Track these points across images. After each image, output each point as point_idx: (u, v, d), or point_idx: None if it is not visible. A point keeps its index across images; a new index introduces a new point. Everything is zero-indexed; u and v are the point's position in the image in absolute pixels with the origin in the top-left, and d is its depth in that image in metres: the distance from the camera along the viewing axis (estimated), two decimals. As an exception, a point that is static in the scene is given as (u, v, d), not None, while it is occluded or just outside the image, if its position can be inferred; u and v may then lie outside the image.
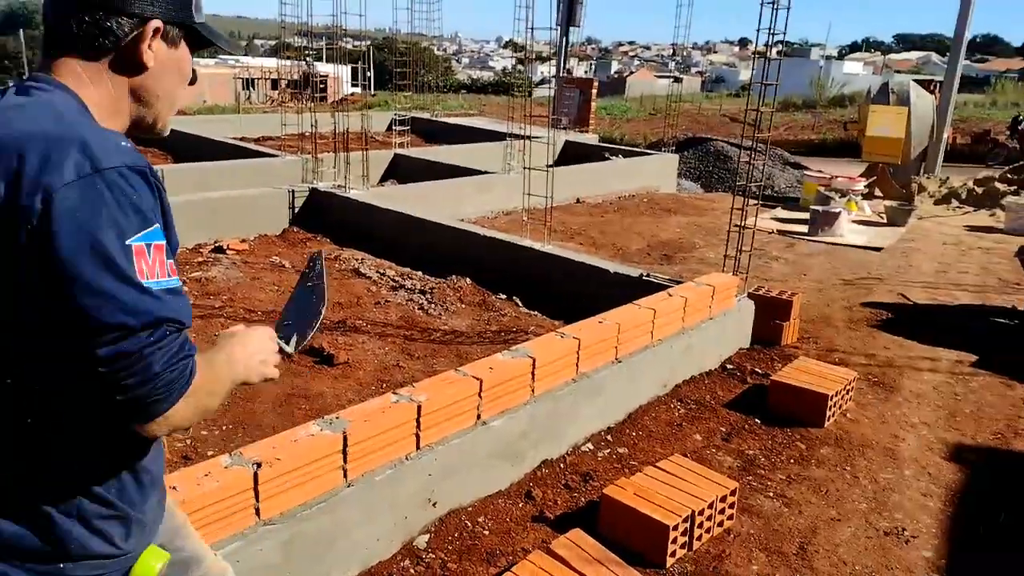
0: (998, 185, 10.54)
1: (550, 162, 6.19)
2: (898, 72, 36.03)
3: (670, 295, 4.15)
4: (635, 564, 2.64)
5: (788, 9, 4.29)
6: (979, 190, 10.44)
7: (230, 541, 2.13)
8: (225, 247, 5.97)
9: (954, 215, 9.82)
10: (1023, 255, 7.14)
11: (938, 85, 12.87)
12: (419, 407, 2.65)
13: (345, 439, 2.42)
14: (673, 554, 2.72)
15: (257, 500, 2.19)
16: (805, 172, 11.15)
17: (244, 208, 6.53)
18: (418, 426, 2.66)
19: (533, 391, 3.13)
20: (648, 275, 4.92)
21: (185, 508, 2.02)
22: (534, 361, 3.10)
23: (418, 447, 2.68)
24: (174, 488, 2.04)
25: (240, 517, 2.15)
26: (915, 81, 11.93)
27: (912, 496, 3.24)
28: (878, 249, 7.74)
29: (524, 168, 5.57)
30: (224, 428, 3.45)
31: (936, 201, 10.42)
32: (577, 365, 3.34)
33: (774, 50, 4.44)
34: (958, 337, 5.14)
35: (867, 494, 3.23)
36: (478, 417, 2.90)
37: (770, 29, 4.30)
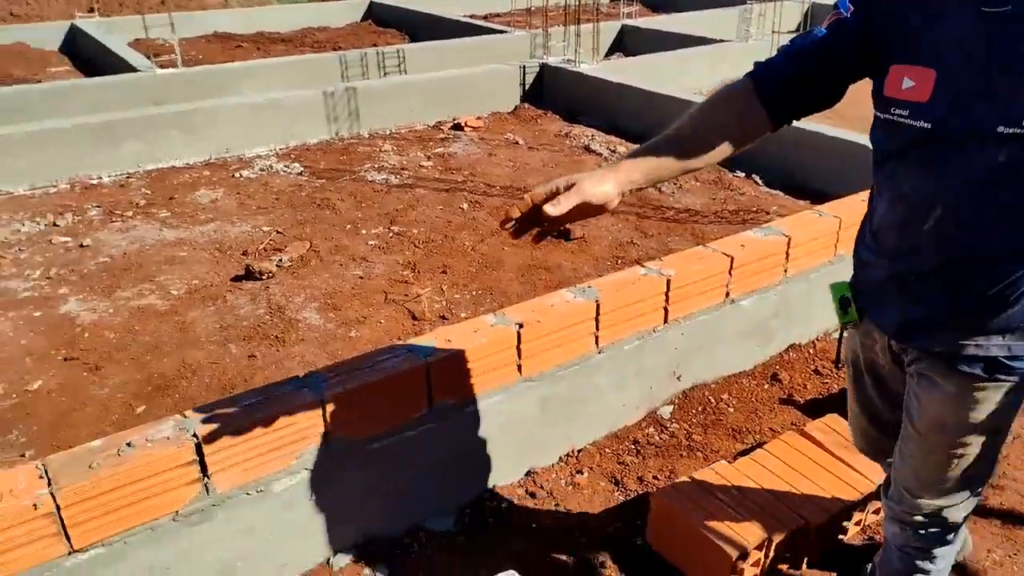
0: None
1: (791, 27, 5.59)
2: None
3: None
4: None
5: None
6: None
7: (495, 393, 2.30)
8: (463, 124, 6.18)
9: None
10: None
11: None
12: (668, 281, 2.63)
13: (598, 307, 2.47)
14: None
15: (519, 358, 2.32)
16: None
17: (477, 86, 6.66)
18: (666, 300, 2.65)
19: (786, 271, 2.98)
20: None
21: (459, 360, 2.20)
22: (789, 240, 2.92)
23: (665, 320, 2.68)
24: (449, 341, 2.21)
25: (504, 372, 2.30)
26: None
27: None
28: None
29: (773, 32, 5.09)
30: (474, 293, 3.68)
31: None
32: (836, 246, 3.11)
33: None
34: None
35: None
36: (727, 295, 2.83)
37: None
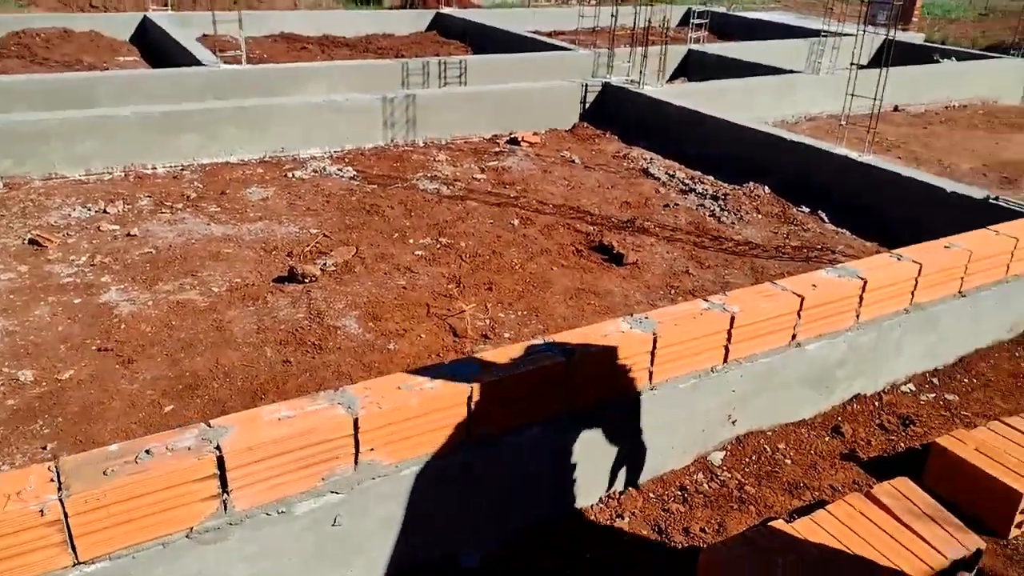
0: None
1: (862, 62, 5.35)
2: None
3: (1033, 224, 3.43)
4: (967, 527, 2.28)
5: None
6: None
7: (536, 425, 2.15)
8: (519, 139, 6.06)
9: None
10: None
11: None
12: (732, 318, 2.45)
13: (655, 341, 2.30)
14: (1019, 525, 2.31)
15: (566, 389, 2.16)
16: None
17: (537, 101, 6.54)
18: (729, 338, 2.47)
19: (858, 317, 2.77)
20: (996, 198, 4.13)
21: (503, 388, 2.05)
22: (865, 283, 2.72)
23: (725, 360, 2.50)
24: (491, 366, 2.07)
25: (548, 404, 2.15)
26: None
27: None
28: None
29: (851, 65, 4.87)
30: (519, 313, 3.53)
31: None
32: (913, 294, 2.89)
33: None
34: None
35: None
36: (793, 337, 2.63)
37: None
